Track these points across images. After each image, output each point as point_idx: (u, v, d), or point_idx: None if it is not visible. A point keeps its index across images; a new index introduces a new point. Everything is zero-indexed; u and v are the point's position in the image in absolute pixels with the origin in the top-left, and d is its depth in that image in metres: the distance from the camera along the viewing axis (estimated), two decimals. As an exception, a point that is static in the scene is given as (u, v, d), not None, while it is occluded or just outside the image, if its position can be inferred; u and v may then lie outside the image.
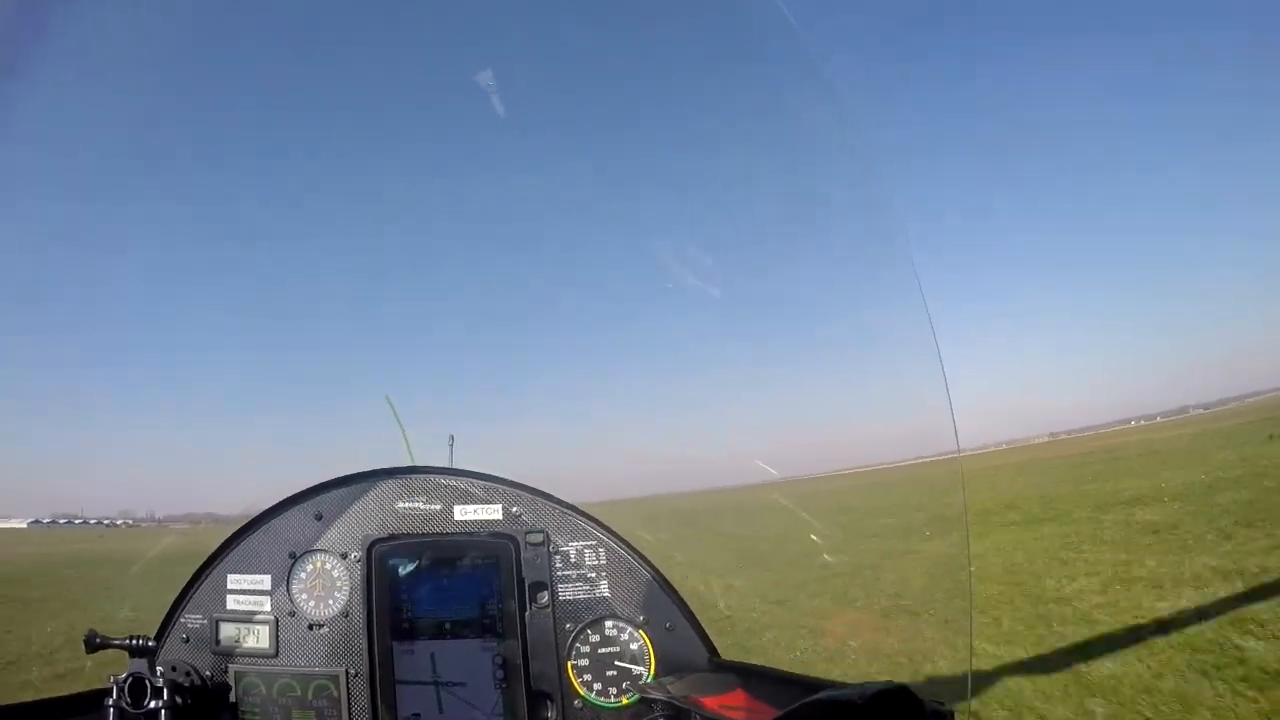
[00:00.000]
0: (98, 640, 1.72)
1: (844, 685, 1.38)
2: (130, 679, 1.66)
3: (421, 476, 2.09)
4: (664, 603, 2.04)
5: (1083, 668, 5.91)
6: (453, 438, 2.29)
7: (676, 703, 1.78)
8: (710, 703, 1.72)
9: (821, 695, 1.28)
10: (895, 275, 2.02)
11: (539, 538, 2.03)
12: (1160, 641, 6.27)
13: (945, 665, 5.76)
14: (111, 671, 1.69)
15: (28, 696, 1.74)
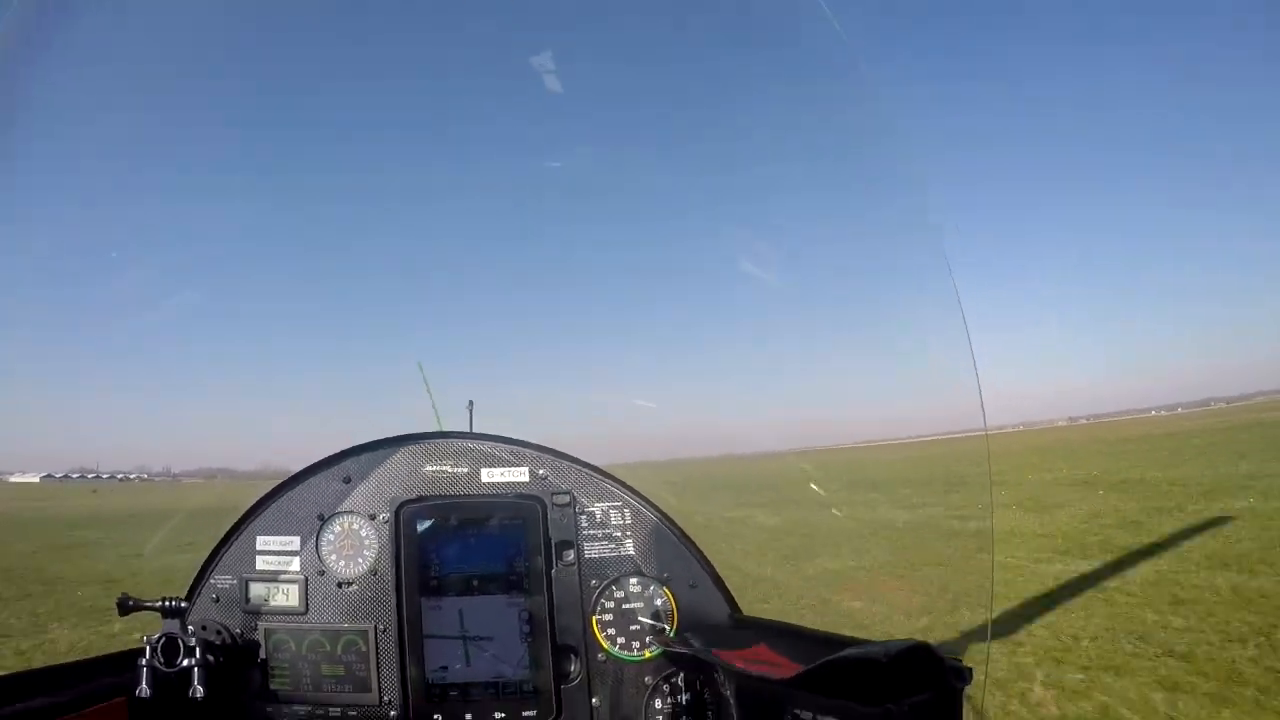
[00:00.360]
0: (130, 603, 1.79)
1: (866, 642, 1.43)
2: (163, 639, 1.72)
3: (449, 441, 2.15)
4: (687, 560, 2.08)
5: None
6: (471, 403, 2.33)
7: (700, 656, 1.82)
8: (732, 657, 1.75)
9: (845, 652, 1.32)
10: (925, 257, 2.04)
11: (565, 498, 2.08)
12: None
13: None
14: (145, 633, 1.75)
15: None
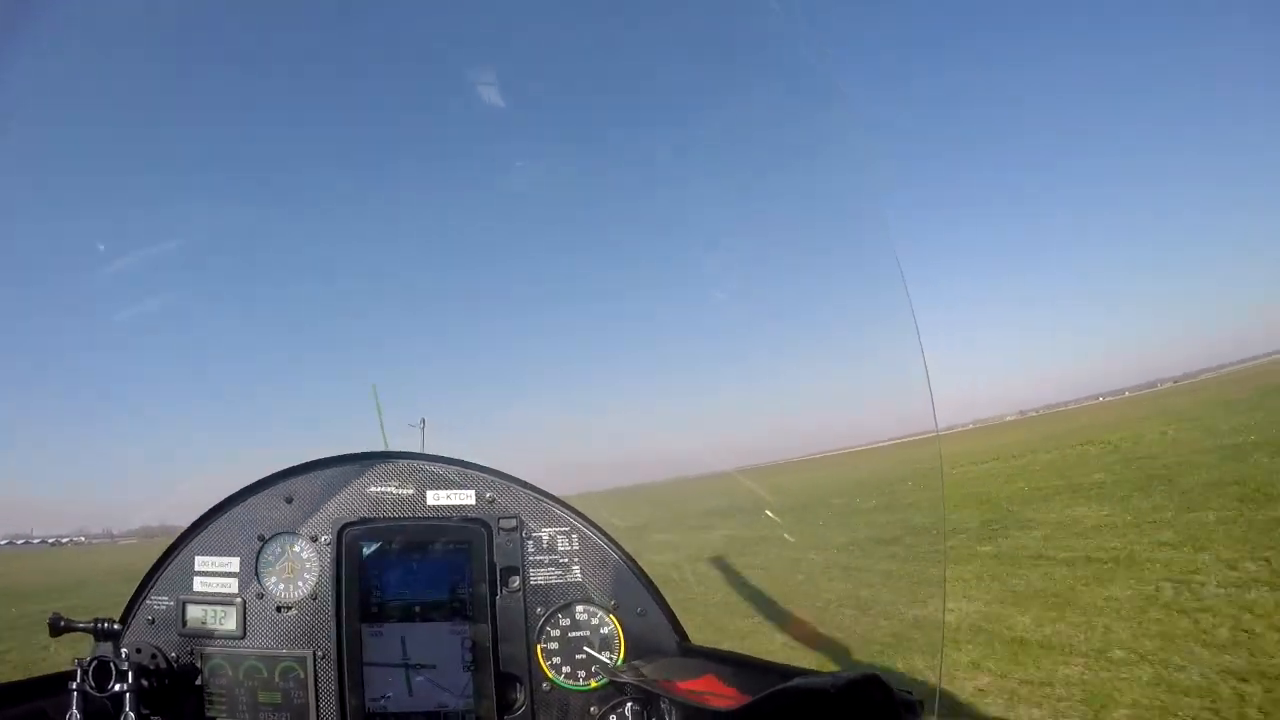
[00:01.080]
0: (62, 624, 1.75)
1: (815, 673, 1.43)
2: (95, 662, 1.68)
3: (394, 461, 2.12)
4: (635, 588, 2.09)
5: None
6: (424, 420, 2.33)
7: (646, 687, 1.82)
8: (680, 687, 1.75)
9: (793, 683, 1.32)
10: (874, 264, 2.09)
11: (512, 523, 2.07)
12: None
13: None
14: (77, 655, 1.71)
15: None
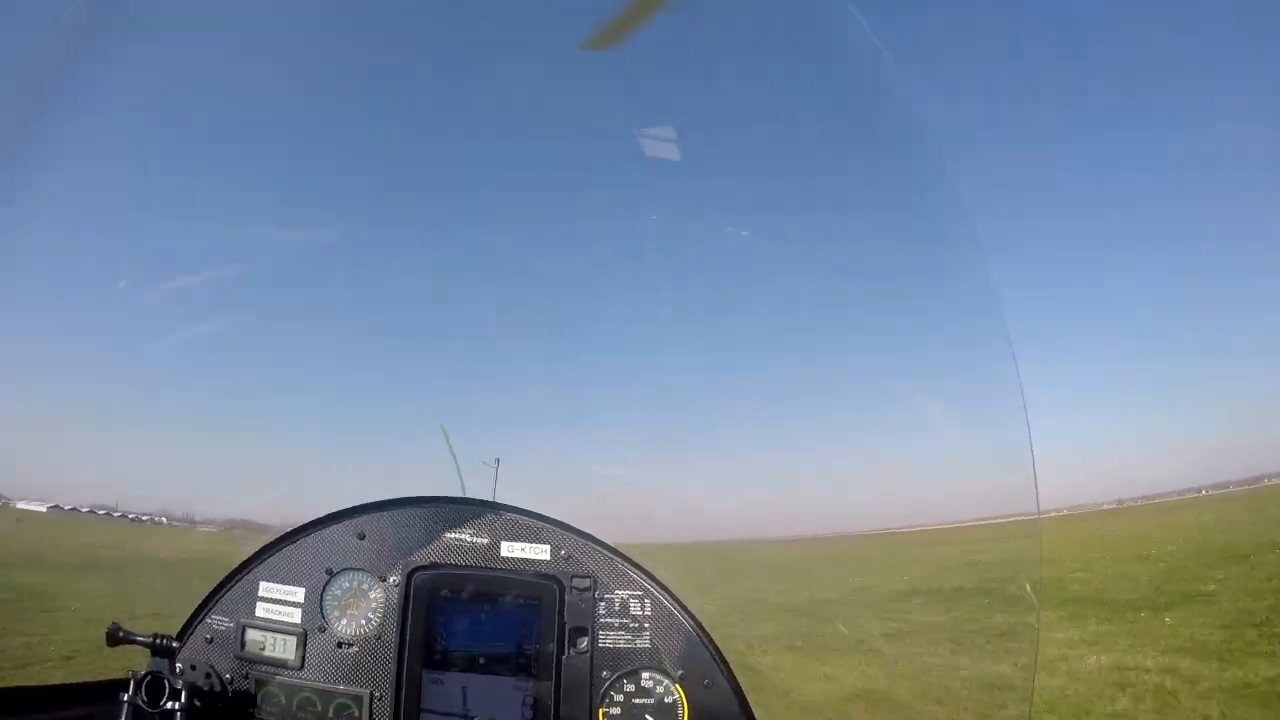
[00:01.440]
0: (120, 634, 1.75)
1: None
2: (149, 677, 1.69)
3: (471, 508, 2.12)
4: (705, 659, 2.03)
5: None
6: (499, 461, 2.32)
7: None
8: None
9: None
10: (977, 326, 1.98)
11: (586, 583, 2.04)
12: None
13: None
14: (131, 666, 1.71)
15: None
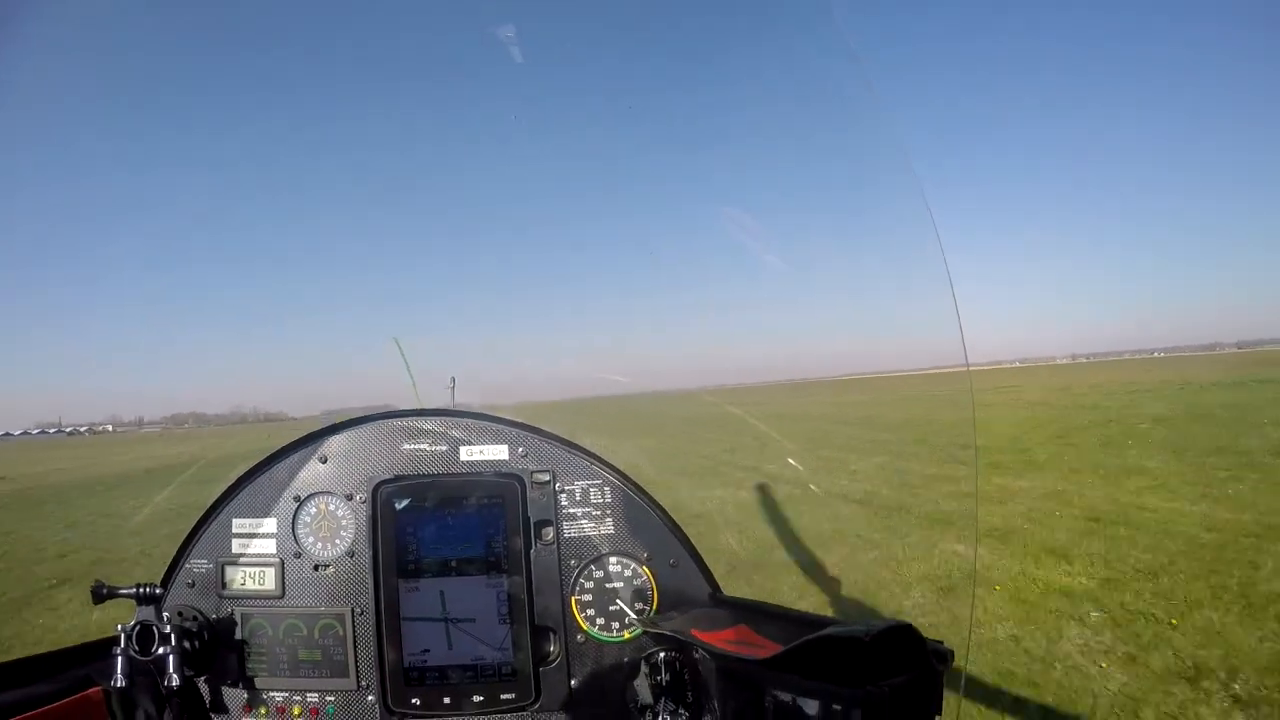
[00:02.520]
0: (104, 590, 1.80)
1: (848, 623, 1.47)
2: (138, 626, 1.76)
3: (427, 418, 2.16)
4: (668, 539, 2.13)
5: None
6: (454, 379, 2.34)
7: (679, 637, 1.87)
8: (713, 637, 1.80)
9: (826, 631, 1.37)
10: (902, 190, 2.03)
11: (545, 476, 2.11)
12: None
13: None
14: (120, 620, 1.78)
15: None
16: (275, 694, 2.02)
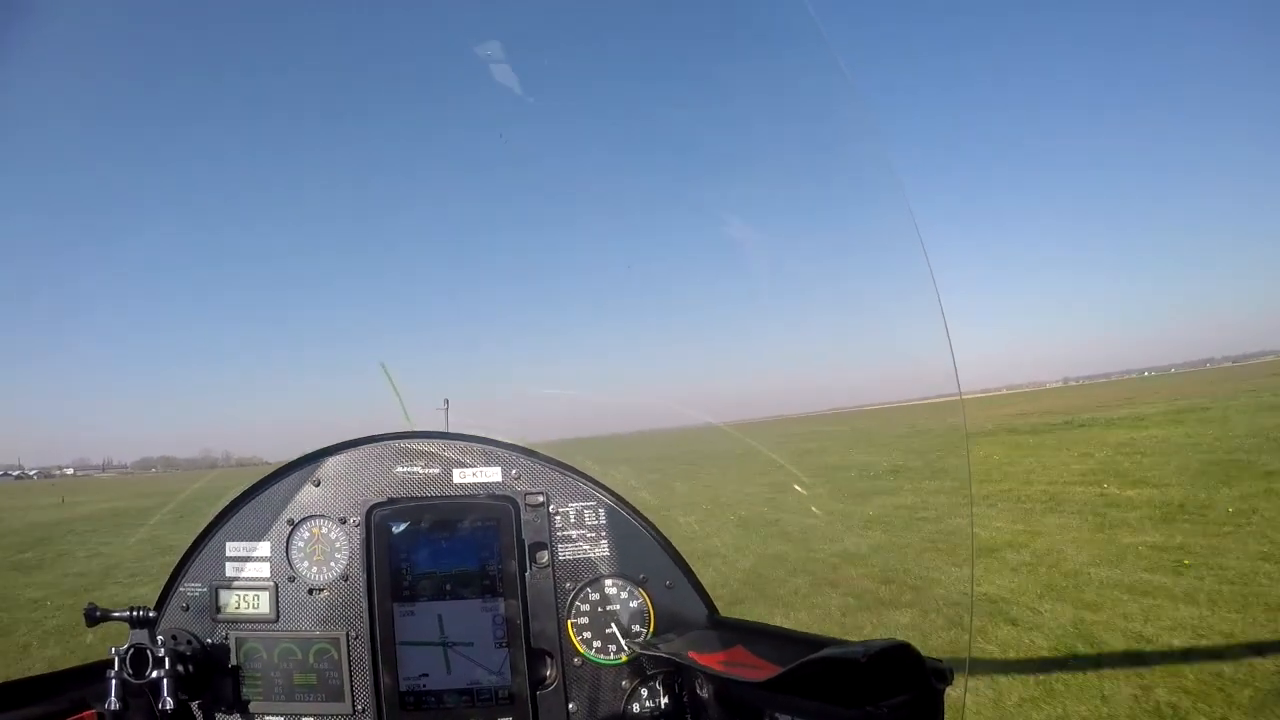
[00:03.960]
0: (98, 613, 1.83)
1: (845, 643, 1.48)
2: (131, 650, 1.78)
3: (419, 441, 2.19)
4: (664, 561, 2.15)
5: None
6: (447, 401, 2.38)
7: (676, 659, 1.88)
8: (710, 659, 1.81)
9: (823, 653, 1.37)
10: (894, 225, 2.10)
11: (539, 499, 2.14)
12: None
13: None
14: (113, 644, 1.80)
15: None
16: (270, 718, 2.03)
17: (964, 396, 2.03)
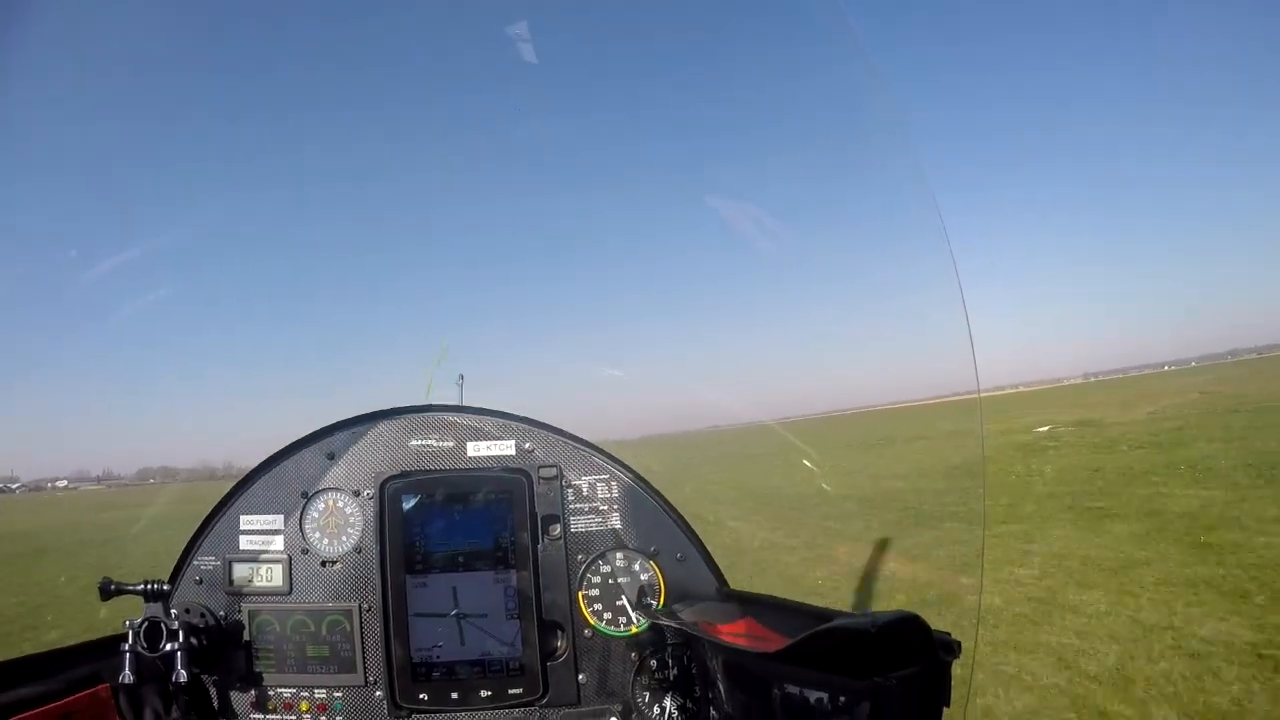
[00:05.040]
0: (112, 587, 1.86)
1: (854, 614, 1.52)
2: (145, 623, 1.82)
3: (434, 414, 2.22)
4: (674, 534, 2.19)
5: None
6: (462, 376, 2.39)
7: (686, 630, 1.93)
8: (719, 631, 1.85)
9: (832, 624, 1.40)
10: (919, 220, 2.13)
11: (552, 472, 2.18)
12: None
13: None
14: (128, 617, 1.84)
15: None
16: (283, 690, 2.07)
17: (980, 394, 2.05)
